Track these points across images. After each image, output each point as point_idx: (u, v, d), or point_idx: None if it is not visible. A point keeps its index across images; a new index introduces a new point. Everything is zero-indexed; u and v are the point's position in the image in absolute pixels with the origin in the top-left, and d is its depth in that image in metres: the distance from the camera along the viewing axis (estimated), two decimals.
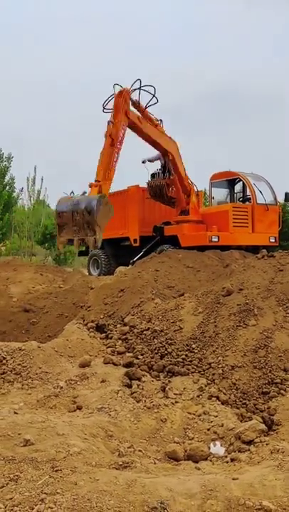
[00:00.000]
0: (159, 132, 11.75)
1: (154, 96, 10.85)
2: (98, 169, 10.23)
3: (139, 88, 10.71)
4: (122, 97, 10.44)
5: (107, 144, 10.23)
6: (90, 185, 9.98)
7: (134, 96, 10.91)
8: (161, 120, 11.93)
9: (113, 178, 10.38)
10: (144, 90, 10.79)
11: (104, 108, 10.74)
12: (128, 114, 10.55)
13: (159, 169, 12.67)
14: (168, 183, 12.37)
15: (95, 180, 10.10)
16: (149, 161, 12.84)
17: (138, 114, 11.06)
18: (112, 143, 10.17)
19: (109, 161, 10.13)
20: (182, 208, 12.52)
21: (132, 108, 10.89)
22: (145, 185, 13.26)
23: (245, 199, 13.16)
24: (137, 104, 11.01)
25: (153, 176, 12.77)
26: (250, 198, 12.71)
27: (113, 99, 10.58)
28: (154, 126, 11.66)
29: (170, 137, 12.02)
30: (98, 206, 9.03)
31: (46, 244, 28.56)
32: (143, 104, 11.06)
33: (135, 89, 10.70)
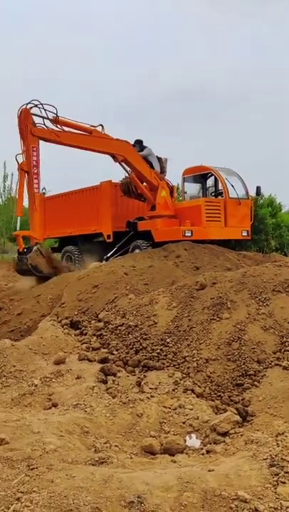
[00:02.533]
0: (94, 138, 11.48)
1: (56, 115, 10.50)
2: (18, 208, 10.48)
3: (41, 104, 10.31)
4: (22, 119, 10.04)
5: (22, 177, 10.06)
6: (13, 235, 10.74)
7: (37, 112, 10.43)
8: (101, 125, 11.65)
9: (39, 203, 10.35)
10: (45, 109, 10.39)
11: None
12: (34, 132, 10.14)
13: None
14: (131, 181, 12.40)
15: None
16: None
17: (53, 128, 10.63)
18: (27, 173, 9.97)
19: (32, 192, 10.02)
20: (151, 203, 12.54)
21: (44, 124, 10.49)
22: (118, 181, 13.22)
23: (217, 193, 13.24)
24: (51, 119, 10.58)
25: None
26: (222, 193, 12.80)
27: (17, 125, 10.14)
28: (86, 135, 11.40)
29: (117, 139, 11.83)
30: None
31: None
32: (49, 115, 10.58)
33: (35, 106, 10.25)
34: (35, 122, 10.34)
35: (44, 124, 10.49)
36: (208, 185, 13.65)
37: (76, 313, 6.94)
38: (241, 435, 3.99)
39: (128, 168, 12.12)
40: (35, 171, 10.00)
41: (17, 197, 10.39)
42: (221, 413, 4.56)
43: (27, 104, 10.19)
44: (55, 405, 4.66)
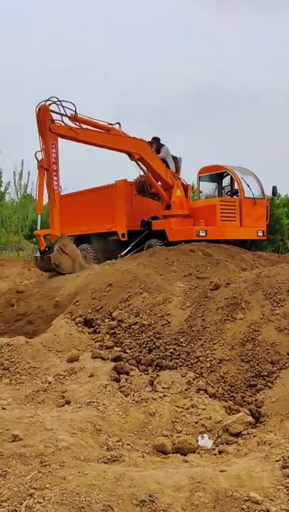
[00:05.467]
0: (111, 136, 11.51)
1: (75, 112, 10.57)
2: (38, 205, 10.39)
3: (59, 101, 10.33)
4: (41, 116, 10.06)
5: (42, 175, 10.03)
6: (35, 234, 10.62)
7: (56, 108, 10.49)
8: (119, 123, 11.73)
9: (59, 200, 10.31)
10: (63, 106, 10.44)
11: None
12: (53, 128, 10.15)
13: None
14: (146, 180, 12.41)
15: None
16: None
17: (71, 125, 10.68)
18: (47, 170, 9.94)
19: (51, 190, 9.97)
20: (166, 202, 12.53)
21: (62, 121, 10.52)
22: (133, 180, 13.25)
23: (233, 193, 13.19)
24: (70, 116, 10.66)
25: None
26: (237, 192, 12.74)
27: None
28: (104, 132, 11.47)
29: (134, 138, 11.82)
30: (59, 266, 9.64)
31: (34, 239, 28.37)
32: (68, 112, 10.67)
33: (54, 102, 10.27)
34: (54, 119, 10.36)
35: (62, 121, 10.53)
36: (223, 185, 13.61)
37: (90, 311, 6.97)
38: (254, 436, 3.97)
39: (144, 167, 12.15)
40: (55, 168, 10.00)
41: (37, 195, 10.38)
42: (233, 414, 4.54)
43: (46, 101, 10.22)
44: (68, 403, 4.69)
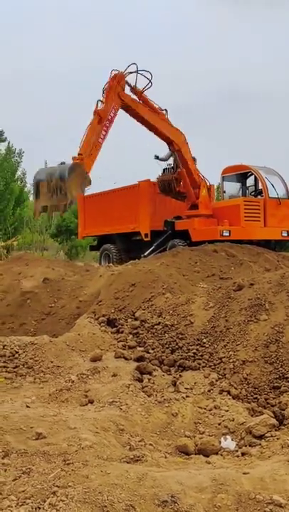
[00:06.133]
0: (161, 119, 11.92)
1: (150, 81, 11.17)
2: (82, 144, 10.55)
3: (136, 71, 11.04)
4: (116, 80, 10.77)
5: (95, 121, 10.46)
6: (72, 159, 10.34)
7: (131, 81, 11.31)
8: (166, 110, 12.14)
9: (97, 156, 10.56)
10: (140, 73, 11.11)
11: (103, 92, 11.06)
12: (121, 95, 10.80)
13: (169, 164, 12.79)
14: (176, 178, 12.43)
15: (78, 154, 10.40)
16: (162, 159, 12.95)
17: (134, 97, 11.37)
18: (100, 120, 10.38)
19: (96, 139, 10.31)
20: (192, 202, 12.51)
21: (128, 92, 11.25)
22: (155, 179, 13.29)
23: (257, 193, 13.07)
24: (134, 90, 11.36)
25: (164, 171, 12.82)
26: (262, 192, 12.62)
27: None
28: (155, 113, 11.89)
29: (177, 128, 12.09)
30: (70, 172, 9.25)
31: (58, 239, 28.60)
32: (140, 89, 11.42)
33: (131, 73, 11.03)
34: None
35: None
36: (247, 185, 13.50)
37: (113, 311, 7.00)
38: (277, 439, 3.93)
39: (170, 163, 12.39)
40: (107, 125, 10.50)
41: (84, 138, 10.52)
42: (257, 416, 4.50)
43: (125, 69, 11.04)
44: (91, 402, 4.72)
